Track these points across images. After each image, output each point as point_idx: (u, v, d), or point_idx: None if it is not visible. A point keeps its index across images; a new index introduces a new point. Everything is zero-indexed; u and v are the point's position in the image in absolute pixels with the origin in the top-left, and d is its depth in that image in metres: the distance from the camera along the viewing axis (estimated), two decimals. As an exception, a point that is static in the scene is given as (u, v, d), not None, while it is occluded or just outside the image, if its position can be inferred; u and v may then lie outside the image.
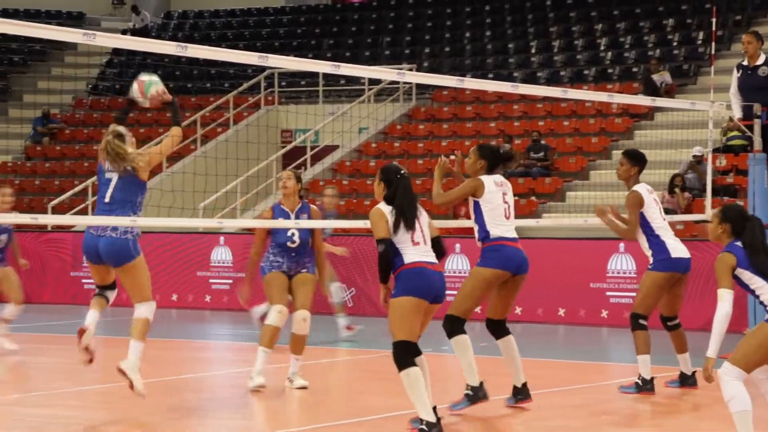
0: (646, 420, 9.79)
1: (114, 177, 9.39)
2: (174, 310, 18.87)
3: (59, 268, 20.52)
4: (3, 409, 9.71)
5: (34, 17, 33.69)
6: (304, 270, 10.80)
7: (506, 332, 9.65)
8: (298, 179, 11.32)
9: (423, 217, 8.40)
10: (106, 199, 9.32)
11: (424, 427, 8.00)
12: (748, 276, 7.53)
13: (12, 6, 34.31)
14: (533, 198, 22.08)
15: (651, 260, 10.57)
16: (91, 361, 9.32)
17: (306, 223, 10.58)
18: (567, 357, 13.80)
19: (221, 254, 19.33)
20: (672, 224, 19.06)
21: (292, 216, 10.95)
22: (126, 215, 9.13)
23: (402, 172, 8.46)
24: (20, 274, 13.78)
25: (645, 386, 10.45)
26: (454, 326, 9.31)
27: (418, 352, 8.21)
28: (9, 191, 12.43)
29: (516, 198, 21.67)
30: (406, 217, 8.27)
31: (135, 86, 9.69)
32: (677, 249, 10.58)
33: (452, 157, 9.93)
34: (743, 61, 13.42)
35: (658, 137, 22.65)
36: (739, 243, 7.58)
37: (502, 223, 9.53)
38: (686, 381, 10.75)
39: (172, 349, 13.74)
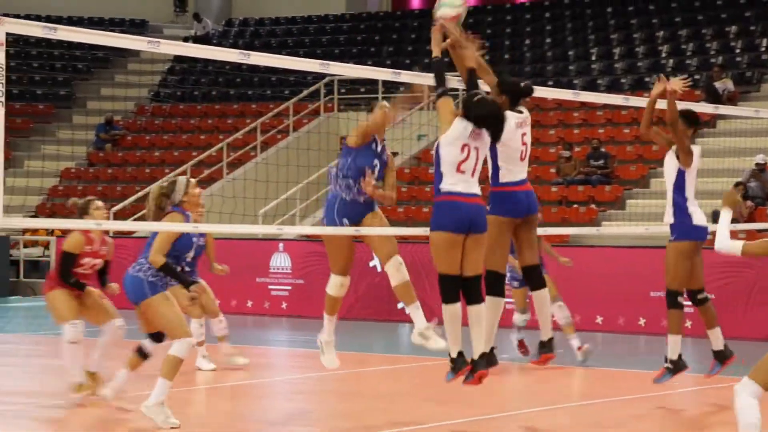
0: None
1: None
2: (233, 316, 18.92)
3: (120, 273, 20.61)
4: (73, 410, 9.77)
5: (98, 25, 33.96)
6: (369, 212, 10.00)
7: (541, 284, 9.59)
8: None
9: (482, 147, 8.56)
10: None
11: (449, 363, 8.49)
12: None
13: (76, 14, 34.64)
14: (593, 206, 21.95)
15: (672, 231, 10.43)
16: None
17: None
18: (630, 366, 13.68)
19: (280, 260, 19.37)
20: (734, 233, 18.96)
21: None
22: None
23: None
24: None
25: (677, 367, 10.40)
26: (493, 285, 9.21)
27: (457, 286, 8.47)
28: (101, 203, 11.45)
29: (576, 206, 21.76)
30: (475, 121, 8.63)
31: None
32: (699, 217, 10.53)
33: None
34: None
35: (720, 145, 22.43)
36: None
37: (515, 166, 9.31)
38: (720, 356, 10.67)
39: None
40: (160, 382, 8.67)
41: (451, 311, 8.39)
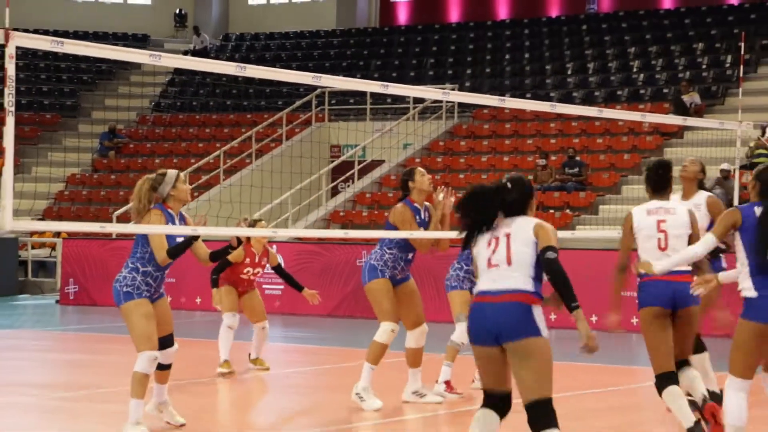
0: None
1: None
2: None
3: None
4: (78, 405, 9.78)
5: (102, 39, 33.95)
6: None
7: None
8: None
9: (516, 231, 6.27)
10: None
11: None
12: (739, 244, 7.01)
13: (81, 29, 34.64)
14: (568, 211, 22.02)
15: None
16: None
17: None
18: (600, 361, 13.71)
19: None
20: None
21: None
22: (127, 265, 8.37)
23: (503, 181, 6.47)
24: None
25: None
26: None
27: (493, 402, 6.28)
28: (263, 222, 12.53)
29: (552, 211, 21.83)
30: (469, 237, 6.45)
31: None
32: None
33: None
34: None
35: (687, 154, 22.46)
36: (757, 208, 7.03)
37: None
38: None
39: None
40: (132, 403, 8.07)
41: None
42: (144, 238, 8.29)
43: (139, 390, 8.04)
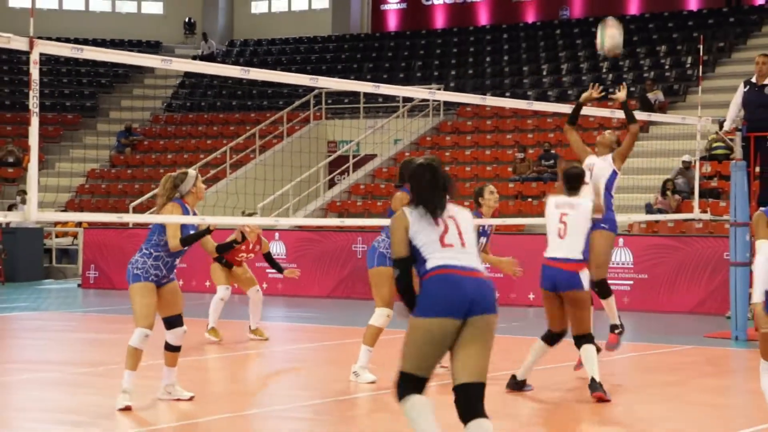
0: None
1: None
2: (235, 296, 18.93)
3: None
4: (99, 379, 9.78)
5: (118, 46, 33.87)
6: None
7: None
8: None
9: (460, 216, 5.70)
10: None
11: None
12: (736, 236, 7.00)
13: (99, 36, 34.54)
14: (544, 199, 21.97)
15: (605, 222, 9.70)
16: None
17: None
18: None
19: (276, 248, 19.31)
20: (664, 222, 19.06)
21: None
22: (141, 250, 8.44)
23: (420, 161, 5.84)
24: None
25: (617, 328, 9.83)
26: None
27: (423, 389, 5.53)
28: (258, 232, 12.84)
29: (530, 200, 21.84)
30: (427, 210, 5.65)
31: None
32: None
33: None
34: (752, 78, 13.03)
35: (652, 147, 22.54)
36: None
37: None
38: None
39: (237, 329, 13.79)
40: (125, 374, 8.08)
41: (412, 402, 5.56)
42: (161, 227, 8.34)
43: (130, 362, 8.08)
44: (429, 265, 5.51)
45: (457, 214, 5.70)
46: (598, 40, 10.49)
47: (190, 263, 18.94)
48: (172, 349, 8.41)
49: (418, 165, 5.77)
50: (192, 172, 8.64)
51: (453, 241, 5.59)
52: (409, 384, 5.45)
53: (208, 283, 19.30)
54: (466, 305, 5.39)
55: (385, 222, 9.66)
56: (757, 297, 6.44)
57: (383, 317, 9.40)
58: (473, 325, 5.42)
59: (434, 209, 5.60)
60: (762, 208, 6.87)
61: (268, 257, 13.02)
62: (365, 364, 9.46)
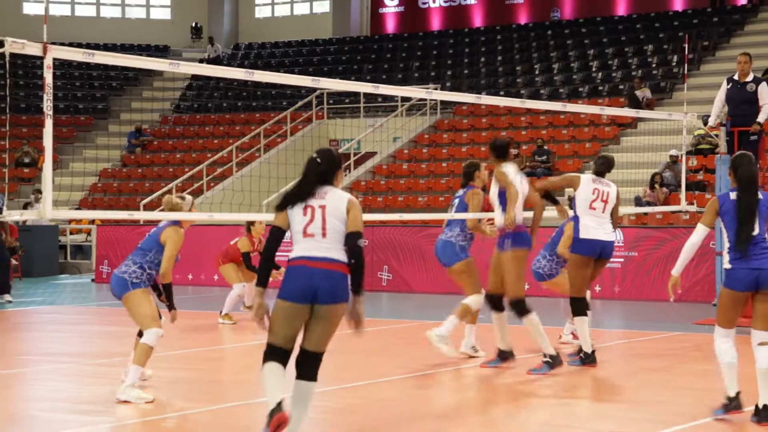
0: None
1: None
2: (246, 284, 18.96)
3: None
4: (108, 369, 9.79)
5: (128, 50, 33.85)
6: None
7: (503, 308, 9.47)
8: None
9: (331, 205, 6.15)
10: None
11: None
12: (722, 225, 7.27)
13: (110, 41, 34.54)
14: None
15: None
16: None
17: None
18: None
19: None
20: (652, 214, 19.07)
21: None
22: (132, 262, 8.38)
23: (313, 155, 6.42)
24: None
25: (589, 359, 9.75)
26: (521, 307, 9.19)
27: (283, 357, 6.11)
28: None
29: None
30: (287, 201, 6.25)
31: None
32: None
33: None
34: (734, 75, 13.04)
35: (640, 142, 22.54)
36: (732, 193, 7.21)
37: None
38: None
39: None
40: (132, 369, 8.03)
41: (266, 369, 6.15)
42: (160, 246, 8.33)
43: (143, 359, 8.06)
44: (291, 254, 6.12)
45: (329, 201, 6.15)
46: None
47: (197, 258, 18.95)
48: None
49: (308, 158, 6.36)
50: (188, 197, 8.72)
51: (315, 231, 6.09)
52: (271, 353, 6.08)
53: (216, 277, 19.32)
54: (311, 295, 6.00)
55: (386, 217, 9.70)
56: (677, 271, 7.40)
57: (478, 302, 9.87)
58: (318, 313, 6.06)
59: (290, 199, 6.19)
60: (718, 194, 7.30)
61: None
62: (474, 342, 10.07)
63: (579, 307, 9.62)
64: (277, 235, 6.15)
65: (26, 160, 28.97)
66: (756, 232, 7.12)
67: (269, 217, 12.12)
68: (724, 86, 13.08)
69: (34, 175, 28.26)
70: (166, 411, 7.85)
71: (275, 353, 6.08)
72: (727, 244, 7.23)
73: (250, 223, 13.74)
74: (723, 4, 28.84)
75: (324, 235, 6.07)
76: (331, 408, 7.81)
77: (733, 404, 7.24)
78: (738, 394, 7.23)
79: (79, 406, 8.02)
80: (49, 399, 8.45)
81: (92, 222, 23.67)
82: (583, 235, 9.58)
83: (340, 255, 6.06)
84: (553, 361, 9.16)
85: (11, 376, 9.60)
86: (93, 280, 21.25)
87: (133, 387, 8.04)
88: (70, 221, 25.11)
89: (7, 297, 16.64)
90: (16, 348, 11.55)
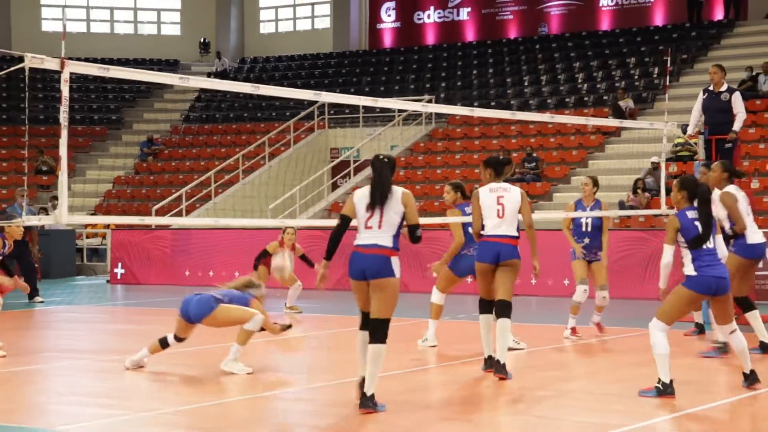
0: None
1: None
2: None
3: (160, 257, 20.66)
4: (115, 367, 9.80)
5: (140, 64, 33.90)
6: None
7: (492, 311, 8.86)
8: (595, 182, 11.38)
9: (390, 203, 7.39)
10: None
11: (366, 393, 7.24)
12: (681, 240, 7.90)
13: (123, 56, 34.57)
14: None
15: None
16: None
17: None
18: (550, 321, 13.75)
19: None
20: (635, 217, 19.10)
21: (588, 209, 11.30)
22: None
23: (381, 156, 7.56)
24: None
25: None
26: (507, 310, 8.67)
27: (367, 322, 7.37)
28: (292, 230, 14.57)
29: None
30: (367, 201, 7.41)
31: None
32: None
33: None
34: (709, 86, 13.11)
35: (624, 150, 22.59)
36: (689, 212, 7.87)
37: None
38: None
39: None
40: (234, 347, 9.02)
41: (359, 337, 7.62)
42: (242, 303, 9.35)
43: (244, 339, 9.08)
44: (355, 241, 7.44)
45: (387, 204, 7.38)
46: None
47: (207, 255, 18.93)
48: (165, 345, 9.39)
49: (376, 158, 7.54)
50: (263, 288, 9.64)
51: (373, 224, 7.39)
52: (362, 318, 7.47)
53: (211, 273, 19.34)
54: (362, 274, 7.36)
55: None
56: (662, 284, 8.09)
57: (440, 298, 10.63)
58: (371, 286, 7.35)
59: (376, 199, 7.42)
60: (676, 212, 7.83)
61: (304, 257, 14.78)
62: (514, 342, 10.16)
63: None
64: (345, 221, 7.45)
65: (44, 168, 28.98)
66: (711, 245, 7.84)
67: (274, 223, 12.10)
68: (701, 96, 13.14)
69: (51, 182, 28.27)
70: (179, 404, 7.87)
71: (362, 316, 7.45)
72: (689, 255, 7.86)
73: (283, 231, 14.48)
74: (700, 19, 28.89)
75: (380, 226, 7.36)
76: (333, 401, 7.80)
77: (667, 390, 7.74)
78: (671, 381, 7.74)
79: (96, 400, 8.04)
80: (67, 393, 8.47)
81: (107, 226, 23.68)
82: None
83: (387, 241, 7.33)
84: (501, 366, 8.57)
85: (33, 371, 9.62)
86: (108, 281, 21.26)
87: (236, 361, 9.00)
88: (86, 225, 25.13)
89: (39, 299, 16.79)
90: (37, 345, 11.57)
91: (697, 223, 7.81)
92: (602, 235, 11.19)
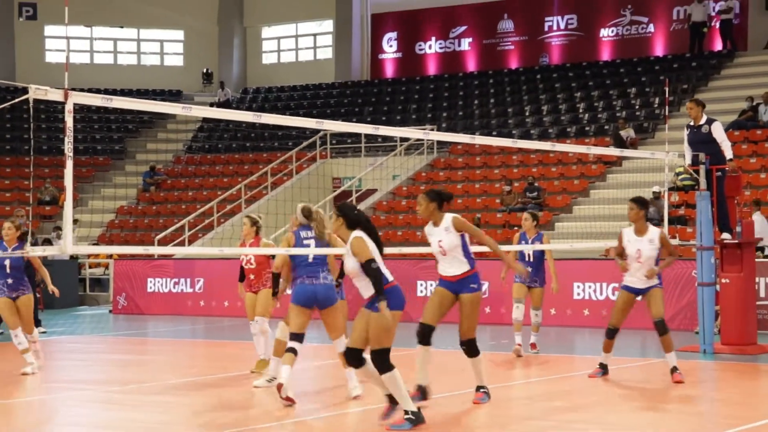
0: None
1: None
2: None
3: (162, 286, 20.61)
4: (123, 395, 9.76)
5: (143, 95, 34.01)
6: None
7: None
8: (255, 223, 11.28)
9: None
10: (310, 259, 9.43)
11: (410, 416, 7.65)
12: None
13: (126, 87, 34.69)
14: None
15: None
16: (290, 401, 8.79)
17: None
18: (559, 352, 13.69)
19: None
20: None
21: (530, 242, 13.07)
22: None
23: (357, 209, 8.10)
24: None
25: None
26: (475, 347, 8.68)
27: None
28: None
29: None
30: (380, 244, 8.06)
31: None
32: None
33: None
34: (690, 122, 13.31)
35: (625, 179, 22.59)
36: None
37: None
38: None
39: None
40: (274, 362, 9.59)
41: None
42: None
43: (281, 353, 9.21)
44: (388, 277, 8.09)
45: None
46: None
47: (207, 283, 18.87)
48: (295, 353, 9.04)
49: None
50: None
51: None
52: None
53: (214, 303, 19.27)
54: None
55: (388, 250, 9.60)
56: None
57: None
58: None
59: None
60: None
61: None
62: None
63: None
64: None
65: (47, 198, 29.01)
66: None
67: (278, 251, 12.16)
68: (685, 132, 13.34)
69: (55, 212, 28.28)
70: (189, 429, 7.83)
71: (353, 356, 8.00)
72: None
73: None
74: (701, 49, 28.99)
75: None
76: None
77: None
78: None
79: (99, 431, 7.99)
80: (71, 424, 8.44)
81: (110, 256, 23.66)
82: None
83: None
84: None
85: (36, 402, 9.58)
86: (111, 312, 21.22)
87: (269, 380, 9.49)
88: (89, 255, 25.11)
89: (41, 329, 16.72)
90: (40, 376, 11.52)
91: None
92: (547, 263, 12.76)
